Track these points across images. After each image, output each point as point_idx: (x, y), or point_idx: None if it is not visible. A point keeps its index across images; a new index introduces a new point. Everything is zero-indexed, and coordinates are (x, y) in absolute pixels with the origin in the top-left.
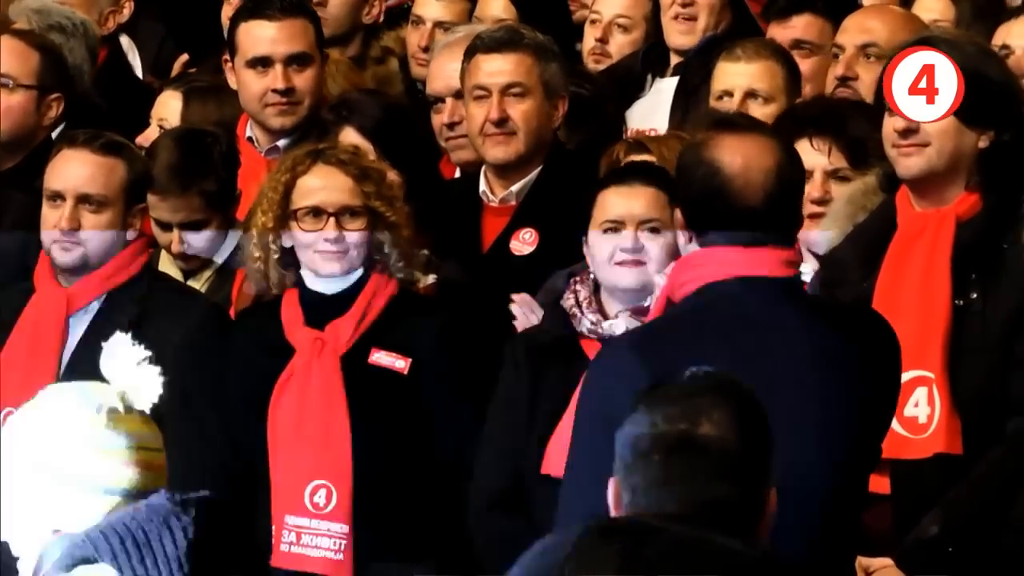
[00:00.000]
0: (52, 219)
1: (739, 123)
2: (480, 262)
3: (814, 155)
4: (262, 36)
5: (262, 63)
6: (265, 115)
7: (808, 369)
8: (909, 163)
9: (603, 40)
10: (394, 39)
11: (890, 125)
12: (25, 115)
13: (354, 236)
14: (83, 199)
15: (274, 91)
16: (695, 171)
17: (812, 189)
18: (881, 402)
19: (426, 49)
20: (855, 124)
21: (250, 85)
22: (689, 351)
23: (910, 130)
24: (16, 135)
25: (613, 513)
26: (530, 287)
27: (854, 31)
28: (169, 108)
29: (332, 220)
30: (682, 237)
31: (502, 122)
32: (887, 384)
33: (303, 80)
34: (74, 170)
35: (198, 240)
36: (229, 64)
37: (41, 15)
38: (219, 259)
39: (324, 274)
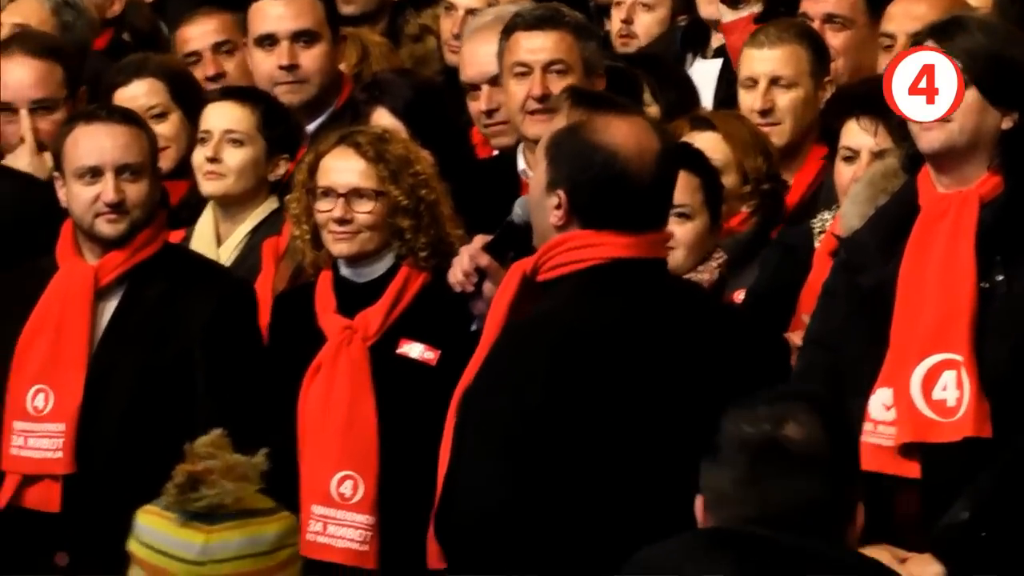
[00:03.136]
0: (91, 194)
1: (617, 104)
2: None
3: (860, 135)
4: (269, 14)
5: (268, 40)
6: (275, 94)
7: (697, 355)
8: (931, 137)
9: (628, 21)
10: (431, 17)
11: None
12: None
13: (363, 218)
14: (122, 169)
15: (280, 68)
16: (591, 156)
17: (858, 169)
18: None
19: (458, 36)
20: None
21: (259, 64)
22: (598, 340)
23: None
24: None
25: (700, 523)
26: None
27: (903, 19)
28: None
29: (341, 201)
30: (555, 216)
31: (544, 98)
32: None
33: (309, 58)
34: (107, 142)
35: (234, 157)
36: (246, 45)
37: None
38: (248, 226)
39: (334, 254)
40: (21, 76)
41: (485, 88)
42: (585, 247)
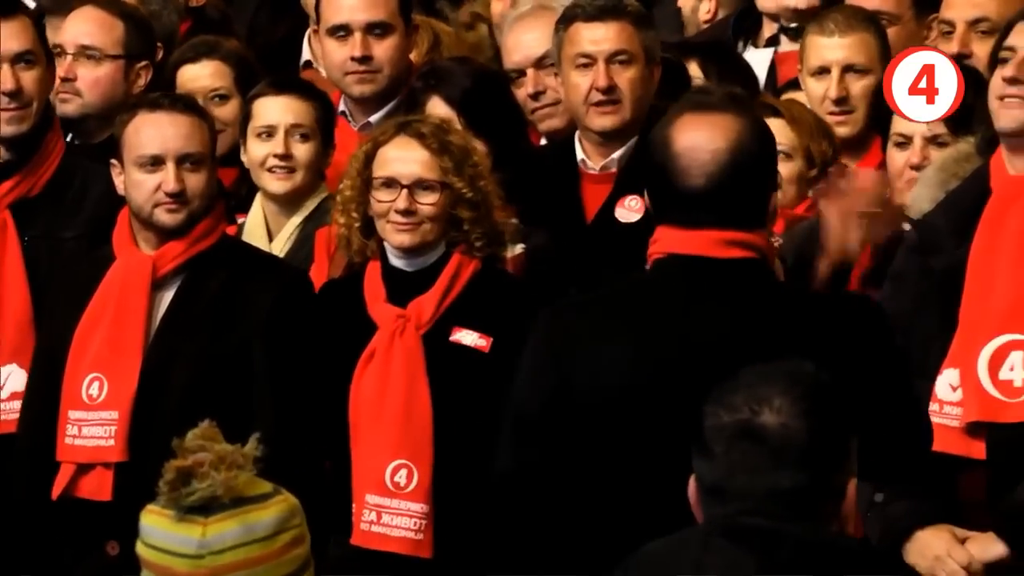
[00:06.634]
0: (152, 183)
1: (708, 103)
2: (585, 231)
3: (912, 121)
4: (342, 4)
5: (342, 31)
6: (345, 83)
7: (722, 355)
8: (1012, 115)
9: None
10: (483, 5)
11: (999, 75)
12: (113, 85)
13: (427, 210)
14: (183, 159)
15: (352, 59)
16: (652, 147)
17: (911, 155)
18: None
19: None
20: None
21: (331, 54)
22: (595, 332)
23: (1018, 79)
24: (105, 106)
25: (695, 508)
26: (638, 254)
27: (963, 6)
28: None
29: (404, 192)
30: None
31: (610, 90)
32: (854, 375)
33: (383, 49)
34: (170, 131)
35: (303, 152)
36: (316, 33)
37: None
38: (299, 217)
39: (395, 245)
40: (77, 24)
41: (531, 72)
42: (654, 242)
